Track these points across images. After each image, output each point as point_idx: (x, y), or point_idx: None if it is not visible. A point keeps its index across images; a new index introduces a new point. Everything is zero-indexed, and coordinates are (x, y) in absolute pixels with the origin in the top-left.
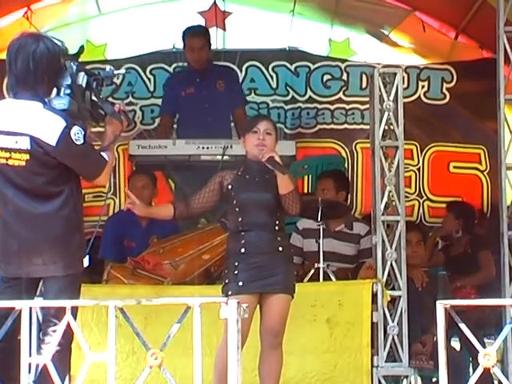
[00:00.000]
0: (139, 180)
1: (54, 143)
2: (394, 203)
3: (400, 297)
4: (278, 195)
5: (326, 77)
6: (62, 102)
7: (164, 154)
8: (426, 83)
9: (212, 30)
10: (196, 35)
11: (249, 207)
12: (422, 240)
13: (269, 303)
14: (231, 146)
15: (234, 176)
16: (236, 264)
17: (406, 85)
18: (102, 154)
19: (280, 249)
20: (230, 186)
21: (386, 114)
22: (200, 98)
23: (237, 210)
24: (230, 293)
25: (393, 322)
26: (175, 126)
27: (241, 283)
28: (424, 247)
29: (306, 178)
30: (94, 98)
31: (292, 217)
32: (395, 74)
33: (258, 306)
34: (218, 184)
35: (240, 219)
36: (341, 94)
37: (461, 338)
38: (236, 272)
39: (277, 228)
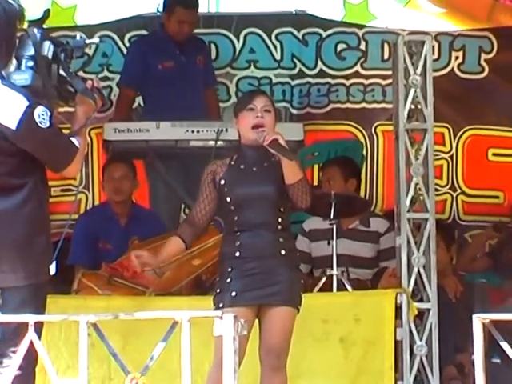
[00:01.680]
0: (117, 169)
1: (13, 126)
2: (421, 198)
3: (429, 310)
4: (280, 186)
5: (340, 46)
6: (23, 77)
7: (145, 138)
8: (460, 53)
9: None
10: (190, 7)
11: (246, 204)
12: (444, 241)
13: (269, 317)
14: (226, 130)
15: (226, 167)
16: (229, 270)
17: (436, 55)
18: (72, 139)
19: (283, 252)
20: (222, 181)
21: (413, 90)
22: (181, 74)
23: (232, 208)
24: (221, 305)
25: (421, 340)
26: (141, 103)
27: (234, 293)
28: (447, 250)
29: (315, 167)
30: (61, 72)
31: (301, 211)
32: (423, 42)
33: (257, 321)
34: (212, 183)
35: (236, 218)
36: (358, 67)
37: (502, 356)
38: (229, 280)
39: (279, 227)
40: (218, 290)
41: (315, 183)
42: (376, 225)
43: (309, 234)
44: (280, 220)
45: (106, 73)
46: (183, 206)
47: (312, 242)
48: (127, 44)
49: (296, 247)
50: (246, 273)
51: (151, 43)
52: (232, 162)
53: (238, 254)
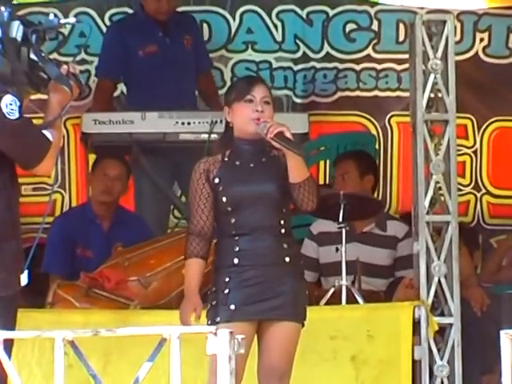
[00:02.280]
0: (113, 168)
1: None
2: (442, 198)
3: (451, 325)
4: (283, 184)
5: (350, 26)
6: None
7: (129, 131)
8: (485, 35)
9: None
10: None
11: (244, 204)
12: (467, 247)
13: (269, 334)
14: (221, 121)
15: (219, 164)
16: (227, 280)
17: (458, 37)
18: (45, 132)
19: (287, 259)
20: (216, 180)
21: (432, 76)
22: (165, 59)
23: (229, 209)
24: (218, 319)
25: (442, 359)
26: (124, 91)
27: (233, 306)
28: (471, 257)
29: (321, 164)
30: (32, 56)
31: (306, 213)
32: (444, 22)
33: (256, 337)
34: (207, 182)
35: (233, 220)
36: (370, 50)
37: None
38: (227, 291)
39: (282, 231)
40: (214, 303)
41: (322, 182)
42: (394, 229)
43: (317, 237)
44: (283, 222)
45: (83, 55)
46: (172, 207)
47: (320, 247)
48: (108, 23)
49: (300, 253)
50: (246, 283)
51: (130, 26)
52: (225, 158)
53: (236, 261)
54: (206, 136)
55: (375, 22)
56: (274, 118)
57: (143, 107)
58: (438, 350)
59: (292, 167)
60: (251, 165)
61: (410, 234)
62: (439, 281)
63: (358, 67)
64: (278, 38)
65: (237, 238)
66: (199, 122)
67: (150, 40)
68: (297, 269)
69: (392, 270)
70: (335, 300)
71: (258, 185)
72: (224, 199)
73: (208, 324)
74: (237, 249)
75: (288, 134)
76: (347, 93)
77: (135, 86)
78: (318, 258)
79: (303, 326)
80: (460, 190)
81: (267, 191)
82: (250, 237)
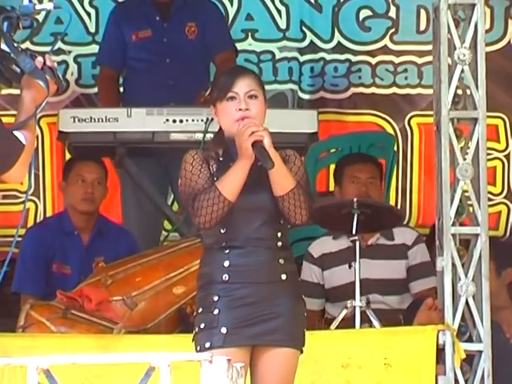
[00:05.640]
0: (92, 171)
1: None
2: (470, 208)
3: (481, 353)
4: None
5: (364, 12)
6: None
7: (113, 130)
8: None
9: None
10: None
11: (235, 213)
12: (497, 264)
13: (265, 362)
14: None
15: (217, 163)
16: (215, 299)
17: (488, 25)
18: (16, 133)
19: (283, 277)
20: (215, 178)
21: (459, 68)
22: (159, 46)
23: None
24: (208, 344)
25: None
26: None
27: (224, 330)
28: (497, 274)
29: (332, 167)
30: (3, 46)
31: (298, 227)
32: (473, 6)
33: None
34: (209, 172)
35: (223, 231)
36: (387, 40)
37: None
38: (216, 311)
39: (279, 244)
40: (203, 326)
41: (333, 189)
42: (401, 236)
43: (319, 260)
44: (280, 235)
45: (60, 45)
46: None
47: (325, 271)
48: (88, 9)
49: (296, 271)
50: (237, 303)
51: (128, 9)
52: (220, 158)
53: (226, 277)
54: (200, 135)
55: (393, 8)
56: (279, 115)
57: (133, 103)
58: (466, 381)
59: (271, 179)
60: None
61: (419, 239)
62: (467, 302)
63: (373, 60)
64: (282, 25)
65: (227, 250)
66: (193, 120)
67: (144, 24)
68: (294, 288)
69: (406, 282)
70: (348, 323)
71: (250, 193)
72: None
73: (197, 350)
74: (227, 263)
75: (266, 142)
76: (361, 89)
77: (128, 79)
78: (323, 283)
79: (301, 352)
80: (490, 199)
81: (260, 199)
82: (242, 250)
